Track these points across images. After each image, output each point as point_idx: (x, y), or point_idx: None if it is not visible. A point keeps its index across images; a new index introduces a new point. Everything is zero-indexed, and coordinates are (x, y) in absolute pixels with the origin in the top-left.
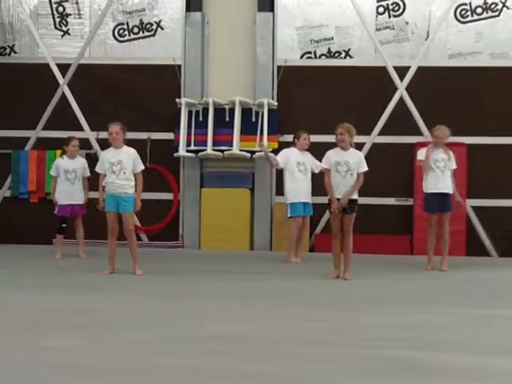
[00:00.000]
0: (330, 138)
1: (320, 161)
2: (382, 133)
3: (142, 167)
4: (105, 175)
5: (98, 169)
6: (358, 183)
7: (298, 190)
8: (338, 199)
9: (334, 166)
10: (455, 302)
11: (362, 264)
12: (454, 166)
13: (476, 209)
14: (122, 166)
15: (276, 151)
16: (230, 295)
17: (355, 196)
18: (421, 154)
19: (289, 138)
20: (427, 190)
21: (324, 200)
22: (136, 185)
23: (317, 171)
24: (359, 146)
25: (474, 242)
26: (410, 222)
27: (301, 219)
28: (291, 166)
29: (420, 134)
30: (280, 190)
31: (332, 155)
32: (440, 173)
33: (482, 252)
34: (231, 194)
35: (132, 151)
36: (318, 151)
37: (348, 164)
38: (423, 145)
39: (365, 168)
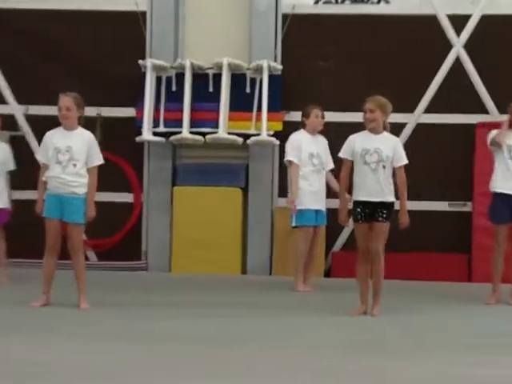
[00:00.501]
0: (355, 117)
1: (336, 152)
2: (429, 109)
3: (100, 161)
4: (48, 166)
5: (39, 156)
6: (403, 181)
7: (309, 191)
8: (361, 203)
9: (360, 155)
10: None
11: (397, 294)
12: None
13: None
14: (72, 156)
15: (280, 136)
16: (208, 339)
17: (391, 198)
18: (492, 137)
19: (297, 116)
20: (495, 189)
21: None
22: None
23: (328, 168)
24: (396, 129)
25: None
26: (467, 237)
27: (311, 230)
28: (302, 159)
29: (484, 110)
30: (284, 190)
31: (357, 141)
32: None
33: None
34: (216, 196)
35: (88, 136)
36: (337, 134)
37: (380, 153)
38: (490, 126)
39: (404, 160)
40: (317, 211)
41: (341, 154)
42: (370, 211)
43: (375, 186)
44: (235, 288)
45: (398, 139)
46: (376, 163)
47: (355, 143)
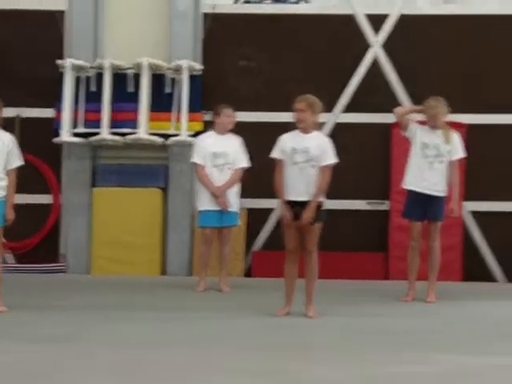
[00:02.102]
0: (280, 117)
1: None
2: (348, 109)
3: (20, 162)
4: None
5: None
6: (325, 180)
7: (209, 192)
8: (294, 203)
9: (289, 154)
10: (441, 347)
11: (318, 294)
12: (458, 156)
13: (476, 215)
14: None
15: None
16: (124, 341)
17: (320, 198)
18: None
19: None
20: (407, 186)
21: (265, 203)
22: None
23: (242, 166)
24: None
25: (473, 261)
26: (385, 235)
27: (209, 232)
28: (206, 159)
29: None
30: None
31: (287, 140)
32: (428, 165)
33: (485, 275)
34: (135, 196)
35: (8, 139)
36: (260, 134)
37: (308, 152)
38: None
39: (332, 159)
40: (221, 212)
41: (272, 155)
42: (299, 211)
43: (303, 186)
44: (155, 289)
45: (328, 139)
46: (305, 163)
47: (286, 142)
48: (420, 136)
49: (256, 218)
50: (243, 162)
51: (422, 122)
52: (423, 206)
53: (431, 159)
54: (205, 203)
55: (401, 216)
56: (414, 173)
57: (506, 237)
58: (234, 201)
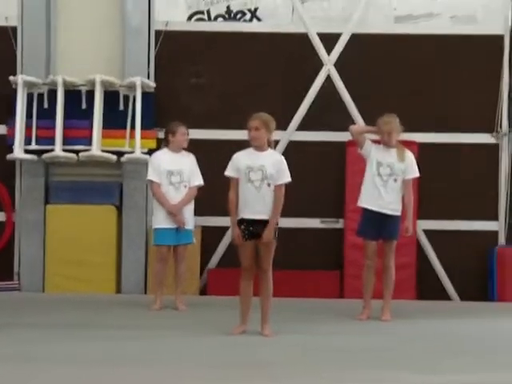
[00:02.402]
0: (234, 135)
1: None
2: (302, 127)
3: None
4: None
5: None
6: (280, 199)
7: (165, 210)
8: (245, 222)
9: (244, 172)
10: (396, 364)
11: (274, 313)
12: (412, 175)
13: (430, 234)
14: None
15: (153, 153)
16: (79, 360)
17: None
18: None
19: None
20: (362, 204)
21: (220, 221)
22: None
23: (197, 183)
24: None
25: (427, 279)
26: (339, 253)
27: (164, 250)
28: (161, 177)
29: None
30: None
31: (242, 158)
32: (382, 183)
33: (439, 294)
34: (90, 214)
35: None
36: (214, 152)
37: (264, 170)
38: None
39: (287, 178)
40: (177, 230)
41: (226, 173)
42: (254, 230)
43: (259, 204)
44: (110, 308)
45: (282, 157)
46: (260, 181)
47: (239, 161)
48: (375, 154)
49: (211, 236)
50: (198, 179)
51: (376, 142)
52: (378, 224)
53: (386, 178)
54: (160, 221)
55: (355, 234)
56: (368, 191)
57: (458, 255)
58: (190, 218)
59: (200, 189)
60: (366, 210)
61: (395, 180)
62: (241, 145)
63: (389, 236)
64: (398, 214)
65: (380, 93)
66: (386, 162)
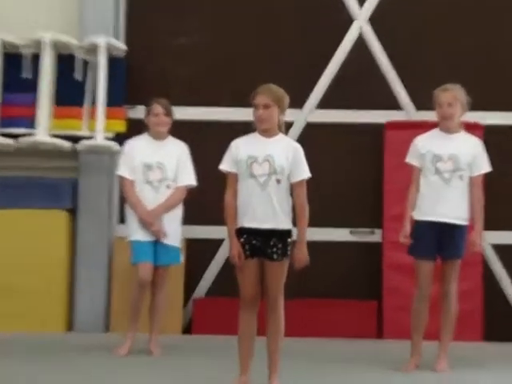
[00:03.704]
0: (232, 114)
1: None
2: (323, 104)
3: None
4: None
5: None
6: (301, 205)
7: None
8: (247, 233)
9: (245, 165)
10: None
11: (288, 356)
12: (482, 170)
13: (500, 250)
14: None
15: (123, 139)
16: None
17: (287, 225)
18: (413, 151)
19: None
20: (419, 217)
21: (212, 232)
22: None
23: (185, 183)
24: None
25: (499, 313)
26: (376, 276)
27: (147, 270)
28: (136, 172)
29: (395, 105)
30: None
31: (242, 146)
32: (442, 183)
33: None
34: (31, 222)
35: None
36: (204, 137)
37: (271, 161)
38: (404, 127)
39: (305, 172)
40: (156, 244)
41: (222, 166)
42: (259, 243)
43: (266, 208)
44: (57, 353)
45: (298, 145)
46: (267, 176)
47: (239, 149)
48: (429, 145)
49: (199, 253)
50: (187, 178)
51: (431, 126)
52: (437, 238)
53: (447, 175)
54: (138, 230)
55: (400, 250)
56: (423, 195)
57: None
58: (174, 231)
59: (190, 190)
60: (419, 222)
61: (461, 177)
62: (240, 128)
63: (452, 253)
64: (465, 223)
65: (429, 58)
66: (446, 154)
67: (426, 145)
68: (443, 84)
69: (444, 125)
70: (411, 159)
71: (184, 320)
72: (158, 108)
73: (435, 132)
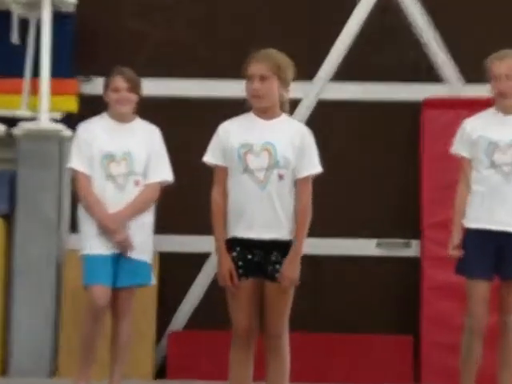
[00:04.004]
0: (218, 88)
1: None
2: (340, 75)
3: None
4: None
5: None
6: (304, 206)
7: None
8: (241, 244)
9: (237, 155)
10: None
11: None
12: None
13: None
14: None
15: (74, 121)
16: None
17: (291, 235)
18: (461, 138)
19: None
20: (470, 224)
21: (192, 244)
22: None
23: (159, 179)
24: None
25: None
26: (413, 303)
27: (101, 295)
28: (94, 164)
29: (436, 76)
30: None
31: (233, 131)
32: (501, 180)
33: None
34: None
35: None
36: (181, 120)
37: (272, 150)
38: (449, 106)
39: (315, 166)
40: (119, 259)
41: (206, 158)
42: (256, 259)
43: (266, 213)
44: None
45: (307, 128)
46: (266, 170)
47: (229, 135)
48: (482, 131)
49: (177, 272)
50: (161, 172)
51: (485, 104)
52: (493, 252)
53: (507, 169)
54: (91, 242)
55: (445, 267)
56: (475, 198)
57: None
58: (143, 241)
59: (165, 188)
60: (472, 230)
61: None
62: (230, 107)
63: None
64: None
65: (483, 12)
66: (506, 141)
67: (478, 129)
68: (492, 49)
69: (501, 103)
70: (459, 148)
71: (156, 360)
72: (119, 81)
73: (490, 112)
